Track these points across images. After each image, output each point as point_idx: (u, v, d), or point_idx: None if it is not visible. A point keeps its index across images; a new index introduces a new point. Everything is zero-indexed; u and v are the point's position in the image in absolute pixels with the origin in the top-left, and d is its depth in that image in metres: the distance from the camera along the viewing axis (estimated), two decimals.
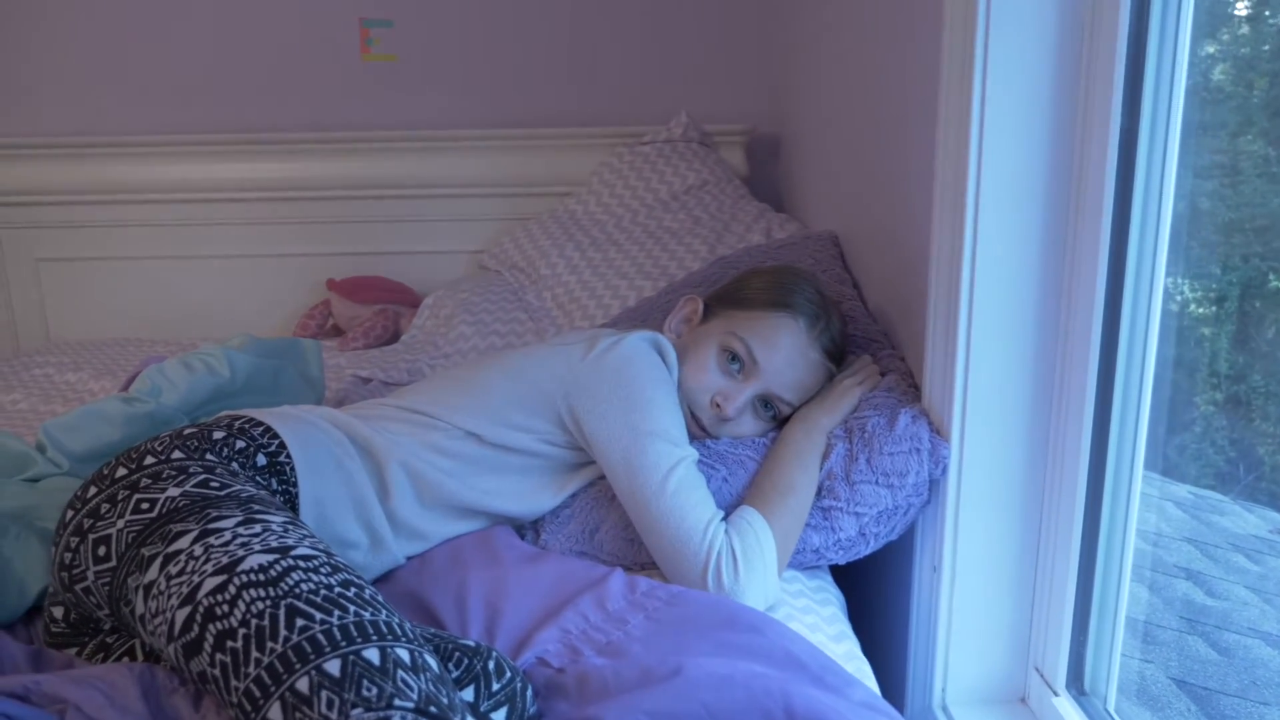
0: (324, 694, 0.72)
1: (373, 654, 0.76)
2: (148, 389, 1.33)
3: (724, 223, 1.98)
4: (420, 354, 1.92)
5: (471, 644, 0.89)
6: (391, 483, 1.13)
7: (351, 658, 0.75)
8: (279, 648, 0.76)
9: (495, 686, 0.86)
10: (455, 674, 0.85)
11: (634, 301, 1.83)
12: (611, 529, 1.20)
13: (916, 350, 1.29)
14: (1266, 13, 1.17)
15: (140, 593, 0.87)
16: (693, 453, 1.17)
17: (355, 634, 0.77)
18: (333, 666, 0.74)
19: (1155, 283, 1.06)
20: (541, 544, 1.22)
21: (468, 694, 0.85)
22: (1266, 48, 1.17)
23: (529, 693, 0.89)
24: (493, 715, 0.85)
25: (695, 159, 2.18)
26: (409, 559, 1.16)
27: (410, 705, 0.72)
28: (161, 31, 2.30)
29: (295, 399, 1.43)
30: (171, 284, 2.36)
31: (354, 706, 0.72)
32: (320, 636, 0.76)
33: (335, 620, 0.78)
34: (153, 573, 0.86)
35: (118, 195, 2.29)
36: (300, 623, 0.77)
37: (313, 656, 0.75)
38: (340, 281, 2.24)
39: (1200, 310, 1.24)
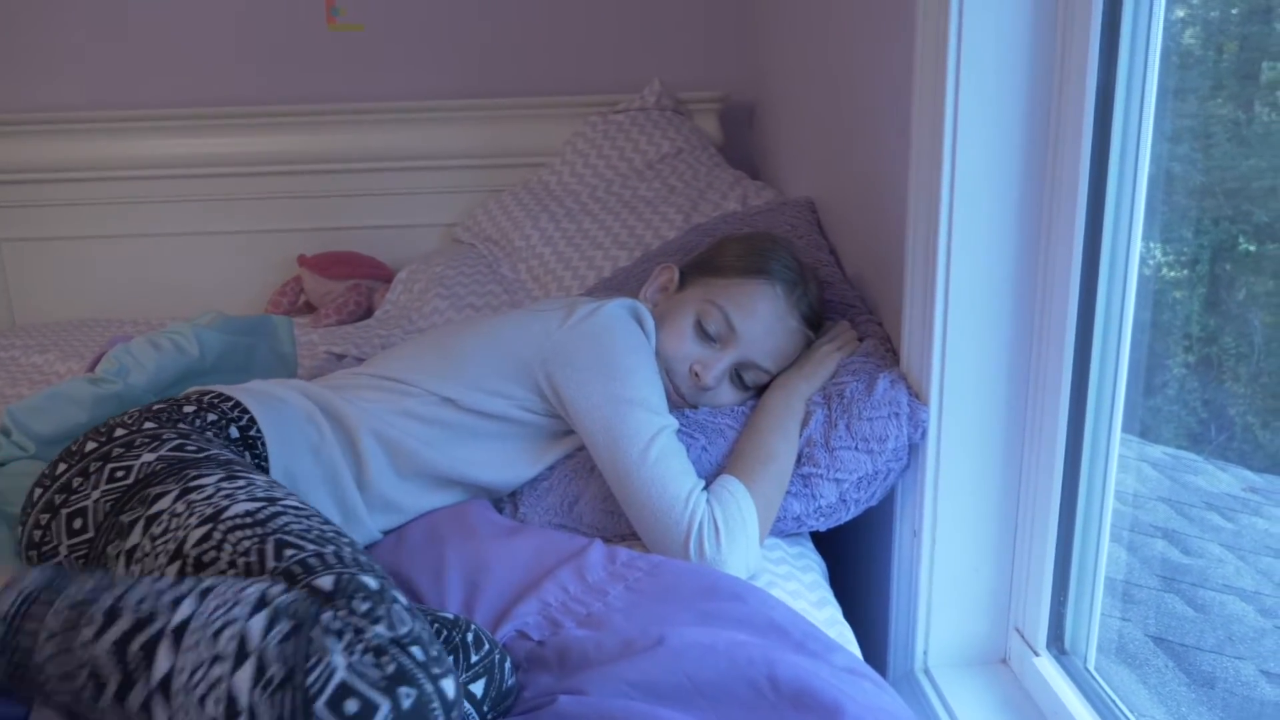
0: (306, 602, 0.71)
1: (370, 580, 0.74)
2: (114, 369, 1.30)
3: (699, 191, 1.96)
4: (394, 329, 1.90)
5: (450, 616, 0.88)
6: (365, 453, 1.11)
7: (347, 576, 0.73)
8: (268, 577, 0.75)
9: (474, 658, 0.85)
10: None
11: (609, 272, 1.81)
12: (591, 500, 1.19)
13: (894, 315, 1.29)
14: None
15: (122, 559, 0.85)
16: (673, 421, 1.16)
17: (350, 563, 0.76)
18: (325, 582, 0.72)
19: (1132, 246, 1.06)
20: (520, 517, 1.21)
21: None
22: (1235, 11, 1.17)
23: (507, 664, 0.88)
24: (471, 686, 0.84)
25: (669, 127, 2.15)
26: (385, 534, 1.15)
27: (387, 635, 0.69)
28: (121, 5, 2.24)
29: (268, 377, 1.40)
30: (139, 263, 2.31)
31: (341, 609, 0.70)
32: (312, 560, 0.75)
33: (329, 550, 0.76)
34: (135, 536, 0.84)
35: (82, 173, 2.23)
36: (289, 552, 0.76)
37: (302, 576, 0.74)
38: (311, 257, 2.21)
39: (1172, 274, 1.25)
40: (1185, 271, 1.26)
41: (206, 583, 0.72)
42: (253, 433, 1.05)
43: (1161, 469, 1.61)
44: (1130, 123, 1.04)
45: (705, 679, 0.83)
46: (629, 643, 0.88)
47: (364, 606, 0.71)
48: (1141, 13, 1.01)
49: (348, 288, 2.15)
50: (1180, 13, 1.12)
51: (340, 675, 0.66)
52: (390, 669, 0.67)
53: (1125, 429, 1.12)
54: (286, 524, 0.79)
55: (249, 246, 2.32)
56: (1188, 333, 1.28)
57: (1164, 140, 1.07)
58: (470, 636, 0.86)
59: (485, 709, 0.85)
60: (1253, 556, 1.46)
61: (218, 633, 0.68)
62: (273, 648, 0.67)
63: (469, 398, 1.17)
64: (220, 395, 1.07)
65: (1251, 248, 1.21)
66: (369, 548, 1.14)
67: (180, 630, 0.68)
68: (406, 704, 0.66)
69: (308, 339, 1.88)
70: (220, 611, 0.69)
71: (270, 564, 0.75)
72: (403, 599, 0.74)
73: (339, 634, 0.68)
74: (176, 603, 0.70)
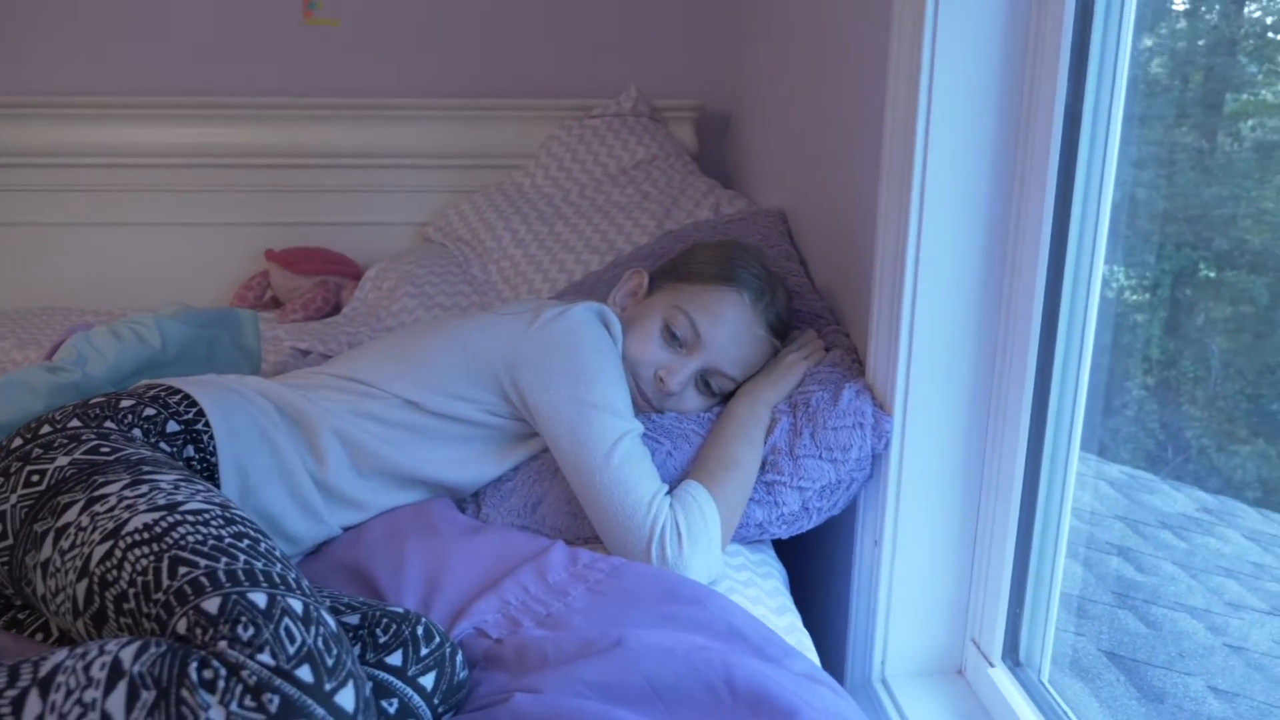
0: (198, 631, 0.70)
1: (259, 597, 0.72)
2: (73, 358, 1.28)
3: (672, 198, 1.97)
4: (361, 326, 1.89)
5: (400, 611, 0.87)
6: (325, 450, 1.10)
7: (234, 597, 0.72)
8: (163, 597, 0.73)
9: (424, 651, 0.85)
10: (383, 639, 0.84)
11: (580, 275, 1.81)
12: (554, 503, 1.19)
13: (861, 326, 1.30)
14: (1203, 8, 1.20)
15: (39, 571, 0.84)
16: (638, 426, 1.16)
17: (243, 578, 0.74)
18: (210, 605, 0.71)
19: (1094, 268, 1.08)
20: (483, 518, 1.20)
21: (396, 658, 0.84)
22: (1201, 42, 1.20)
23: (459, 658, 0.88)
24: (421, 679, 0.84)
25: (644, 134, 2.16)
26: (346, 530, 1.14)
27: (270, 664, 0.67)
28: None
29: (230, 371, 1.39)
30: (103, 253, 2.28)
31: (221, 639, 0.68)
32: (203, 579, 0.74)
33: (221, 565, 0.75)
34: (47, 549, 0.83)
35: (46, 159, 2.20)
36: (183, 570, 0.75)
37: (192, 597, 0.72)
38: (279, 252, 2.19)
39: (1134, 297, 1.27)
40: (1146, 295, 1.28)
41: (46, 666, 0.67)
42: (199, 426, 1.03)
43: (1118, 487, 1.63)
44: (1096, 147, 1.05)
45: (663, 681, 0.83)
46: (588, 643, 0.88)
47: (247, 634, 0.69)
48: (1110, 41, 1.03)
49: (315, 284, 2.13)
50: (1148, 42, 1.15)
51: None
52: (273, 706, 0.65)
53: (1084, 447, 1.14)
54: (183, 536, 0.78)
55: (216, 239, 2.29)
56: (1147, 355, 1.30)
57: (1129, 166, 1.09)
58: (420, 630, 0.86)
59: (436, 702, 0.84)
60: (1204, 575, 1.48)
61: None
62: None
63: (432, 401, 1.16)
64: (168, 388, 1.05)
65: (1211, 274, 1.23)
66: (327, 545, 1.13)
67: None
68: None
69: (273, 334, 1.86)
70: (71, 701, 0.65)
71: (165, 582, 0.74)
72: (298, 605, 0.73)
73: (210, 685, 0.65)
74: (18, 705, 0.65)
